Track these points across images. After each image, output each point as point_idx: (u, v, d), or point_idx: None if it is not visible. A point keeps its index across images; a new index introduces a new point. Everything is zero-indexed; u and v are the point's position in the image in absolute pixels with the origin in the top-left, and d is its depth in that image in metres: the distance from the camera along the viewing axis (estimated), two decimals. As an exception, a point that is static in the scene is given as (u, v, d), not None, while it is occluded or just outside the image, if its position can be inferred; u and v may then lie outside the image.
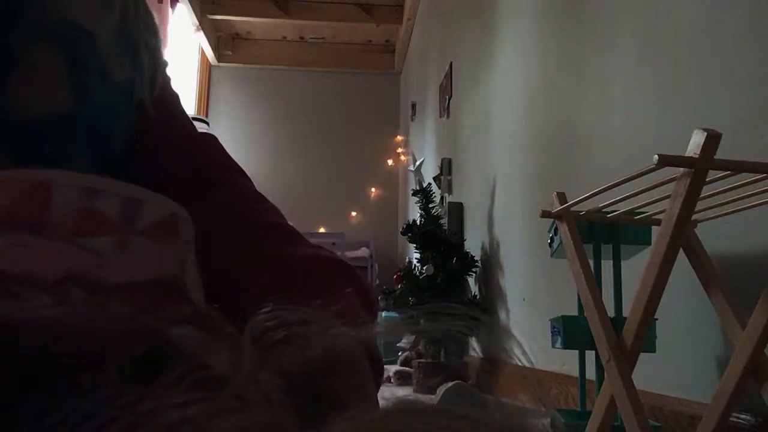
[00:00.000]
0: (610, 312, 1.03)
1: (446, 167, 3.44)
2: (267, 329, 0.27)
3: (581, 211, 1.07)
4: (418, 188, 3.05)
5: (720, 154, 0.75)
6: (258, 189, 0.54)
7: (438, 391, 2.10)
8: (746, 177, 0.84)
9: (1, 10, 0.37)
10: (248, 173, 0.54)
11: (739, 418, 0.97)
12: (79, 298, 0.23)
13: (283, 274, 0.44)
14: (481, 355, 2.62)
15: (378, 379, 0.38)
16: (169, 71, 0.53)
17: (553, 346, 1.14)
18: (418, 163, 3.91)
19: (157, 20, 0.49)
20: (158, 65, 0.48)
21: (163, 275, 0.26)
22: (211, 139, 0.54)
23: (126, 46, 0.43)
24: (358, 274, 0.47)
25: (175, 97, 0.54)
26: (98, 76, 0.40)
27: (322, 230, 5.70)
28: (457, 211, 3.11)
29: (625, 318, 0.90)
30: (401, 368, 2.85)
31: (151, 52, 0.47)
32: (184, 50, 5.25)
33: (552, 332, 1.15)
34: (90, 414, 0.22)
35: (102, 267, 0.24)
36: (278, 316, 0.28)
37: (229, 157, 0.54)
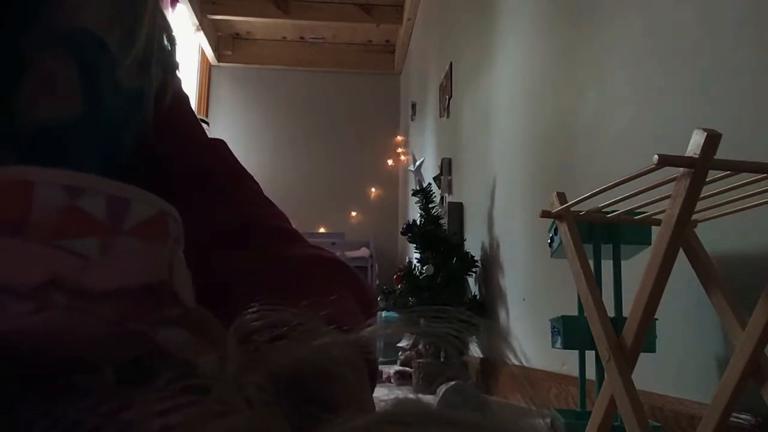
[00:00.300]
0: (610, 312, 1.03)
1: (446, 167, 3.44)
2: (252, 330, 0.26)
3: (581, 211, 1.07)
4: (418, 188, 3.05)
5: (720, 154, 0.75)
6: (259, 184, 0.54)
7: (438, 391, 2.10)
8: (746, 177, 0.84)
9: (14, 14, 0.37)
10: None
11: (739, 418, 0.97)
12: (63, 304, 0.22)
13: (280, 274, 0.44)
14: (480, 355, 2.62)
15: (372, 380, 0.37)
16: (179, 73, 0.52)
17: (553, 346, 1.14)
18: (418, 163, 3.91)
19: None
20: (172, 70, 0.48)
21: (151, 277, 0.25)
22: (221, 145, 0.54)
23: (140, 54, 0.43)
24: (357, 275, 0.47)
25: (185, 101, 0.54)
26: (110, 84, 0.40)
27: (322, 230, 5.70)
28: (457, 211, 3.11)
29: (625, 318, 0.90)
30: (401, 368, 2.85)
31: (165, 56, 0.47)
32: (184, 50, 5.24)
33: (552, 332, 1.15)
34: (74, 422, 0.22)
35: (87, 270, 0.23)
36: (264, 316, 0.27)
37: (238, 162, 0.54)
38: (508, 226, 2.39)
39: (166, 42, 0.47)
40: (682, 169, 0.77)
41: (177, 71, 0.50)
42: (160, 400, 0.22)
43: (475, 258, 2.71)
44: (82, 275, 0.23)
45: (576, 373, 1.23)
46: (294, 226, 0.50)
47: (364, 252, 5.22)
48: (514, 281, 2.29)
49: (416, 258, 2.90)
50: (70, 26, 0.39)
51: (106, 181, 0.25)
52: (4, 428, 0.23)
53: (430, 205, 2.95)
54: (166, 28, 0.47)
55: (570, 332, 1.10)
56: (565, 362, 1.64)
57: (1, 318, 0.21)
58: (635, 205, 0.98)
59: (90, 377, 0.25)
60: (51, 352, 0.24)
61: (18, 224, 0.22)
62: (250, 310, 0.27)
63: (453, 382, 2.08)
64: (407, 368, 2.79)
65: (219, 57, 5.95)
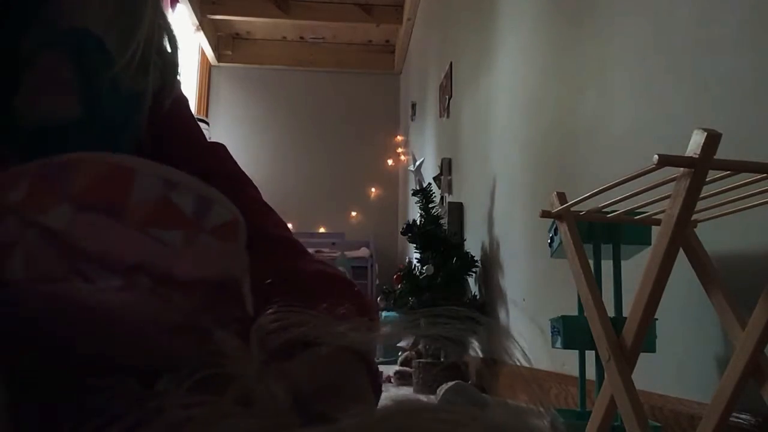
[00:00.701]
0: (610, 312, 1.03)
1: (446, 167, 3.44)
2: (272, 331, 0.27)
3: (581, 211, 1.07)
4: (418, 188, 3.05)
5: (720, 154, 0.75)
6: (258, 190, 0.54)
7: (438, 391, 2.10)
8: (746, 177, 0.84)
9: (13, 14, 0.37)
10: (248, 173, 0.54)
11: (739, 418, 0.97)
12: (147, 288, 0.24)
13: (285, 287, 0.44)
14: (481, 355, 2.62)
15: (375, 385, 0.38)
16: (180, 75, 0.52)
17: (553, 346, 1.14)
18: (418, 163, 3.91)
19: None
20: (172, 72, 0.48)
21: (226, 276, 0.26)
22: (220, 149, 0.54)
23: (139, 55, 0.43)
24: (359, 292, 0.47)
25: (184, 103, 0.54)
26: (108, 84, 0.40)
27: (322, 230, 5.70)
28: (457, 211, 3.11)
29: (625, 318, 0.90)
30: (401, 368, 2.85)
31: (165, 58, 0.47)
32: (184, 50, 5.24)
33: (552, 332, 1.15)
34: (102, 408, 0.23)
35: (172, 260, 0.24)
36: (283, 317, 0.28)
37: (238, 167, 0.54)
38: (508, 226, 2.39)
39: (167, 44, 0.47)
40: (682, 169, 0.77)
41: (178, 74, 0.50)
42: (183, 395, 0.23)
43: (475, 258, 2.71)
44: (167, 264, 0.24)
45: (576, 373, 1.23)
46: (294, 226, 0.51)
47: (364, 252, 5.21)
48: (514, 281, 2.29)
49: (416, 258, 2.90)
50: (69, 26, 0.39)
51: (196, 181, 0.26)
52: (31, 413, 0.24)
53: (430, 205, 2.95)
54: (166, 30, 0.47)
55: (570, 332, 1.10)
56: (565, 362, 1.64)
57: (90, 289, 0.23)
58: (635, 205, 0.98)
59: (111, 379, 0.26)
60: (120, 334, 0.25)
61: (117, 207, 0.24)
62: (268, 312, 0.28)
63: (453, 382, 2.08)
64: (407, 368, 2.79)
65: (219, 57, 5.95)
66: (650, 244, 1.11)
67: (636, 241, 1.15)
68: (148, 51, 0.44)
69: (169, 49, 0.47)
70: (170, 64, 0.47)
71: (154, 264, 0.24)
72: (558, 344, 1.12)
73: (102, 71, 0.39)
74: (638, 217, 1.07)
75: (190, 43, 5.37)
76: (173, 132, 0.50)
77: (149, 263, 0.24)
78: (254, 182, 0.54)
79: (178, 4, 4.43)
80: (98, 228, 0.24)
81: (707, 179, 0.77)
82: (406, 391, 2.57)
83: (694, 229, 1.03)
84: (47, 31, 0.38)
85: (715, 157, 0.75)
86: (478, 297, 2.70)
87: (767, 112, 0.98)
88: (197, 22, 5.17)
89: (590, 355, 1.15)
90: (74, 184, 0.24)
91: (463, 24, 3.32)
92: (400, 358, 3.01)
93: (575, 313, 1.17)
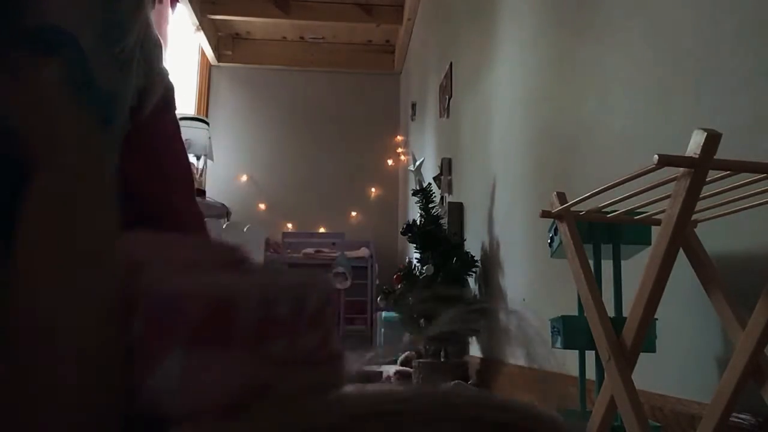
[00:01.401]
0: (610, 312, 1.03)
1: (446, 167, 3.44)
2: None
3: (581, 211, 1.07)
4: (418, 188, 3.04)
5: (720, 154, 0.75)
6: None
7: (438, 391, 2.10)
8: (746, 177, 0.84)
9: None
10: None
11: (739, 418, 0.97)
12: None
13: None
14: (481, 355, 2.62)
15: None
16: (174, 88, 0.51)
17: (553, 346, 1.14)
18: (418, 163, 3.91)
19: (155, 21, 0.48)
20: (156, 73, 0.47)
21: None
22: (186, 188, 0.53)
23: (119, 53, 0.42)
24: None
25: (172, 115, 0.53)
26: (83, 82, 0.39)
27: (322, 230, 5.69)
28: (457, 211, 3.11)
29: (625, 318, 0.90)
30: (401, 368, 2.85)
31: (148, 58, 0.46)
32: (184, 50, 5.24)
33: (552, 332, 1.15)
34: None
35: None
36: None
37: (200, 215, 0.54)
38: (508, 226, 2.39)
39: (151, 45, 0.46)
40: (682, 169, 0.77)
41: (161, 75, 0.49)
42: None
43: (475, 258, 2.71)
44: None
45: (576, 373, 1.23)
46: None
47: (364, 252, 5.21)
48: (514, 281, 2.29)
49: (416, 258, 2.90)
50: (42, 24, 0.38)
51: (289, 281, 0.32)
52: None
53: (430, 205, 2.95)
54: (149, 30, 0.46)
55: (570, 332, 1.10)
56: (565, 362, 1.64)
57: None
58: (635, 205, 0.98)
59: None
60: None
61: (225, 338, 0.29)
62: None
63: (453, 382, 2.08)
64: (407, 368, 2.79)
65: (219, 57, 5.95)
66: (650, 244, 1.11)
67: (636, 241, 1.15)
68: (128, 49, 0.43)
69: (150, 50, 0.46)
70: (153, 65, 0.46)
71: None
72: (558, 344, 1.12)
73: (78, 69, 0.39)
74: (638, 217, 1.07)
75: (190, 43, 5.37)
76: (161, 150, 0.50)
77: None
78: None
79: (178, 4, 4.43)
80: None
81: (707, 179, 0.77)
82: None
83: (694, 229, 1.03)
84: (19, 30, 0.37)
85: (715, 157, 0.75)
86: (478, 297, 2.69)
87: (767, 113, 0.98)
88: (197, 22, 5.17)
89: (590, 355, 1.15)
90: None
91: (463, 24, 3.32)
92: (400, 358, 3.01)
93: (575, 313, 1.17)
